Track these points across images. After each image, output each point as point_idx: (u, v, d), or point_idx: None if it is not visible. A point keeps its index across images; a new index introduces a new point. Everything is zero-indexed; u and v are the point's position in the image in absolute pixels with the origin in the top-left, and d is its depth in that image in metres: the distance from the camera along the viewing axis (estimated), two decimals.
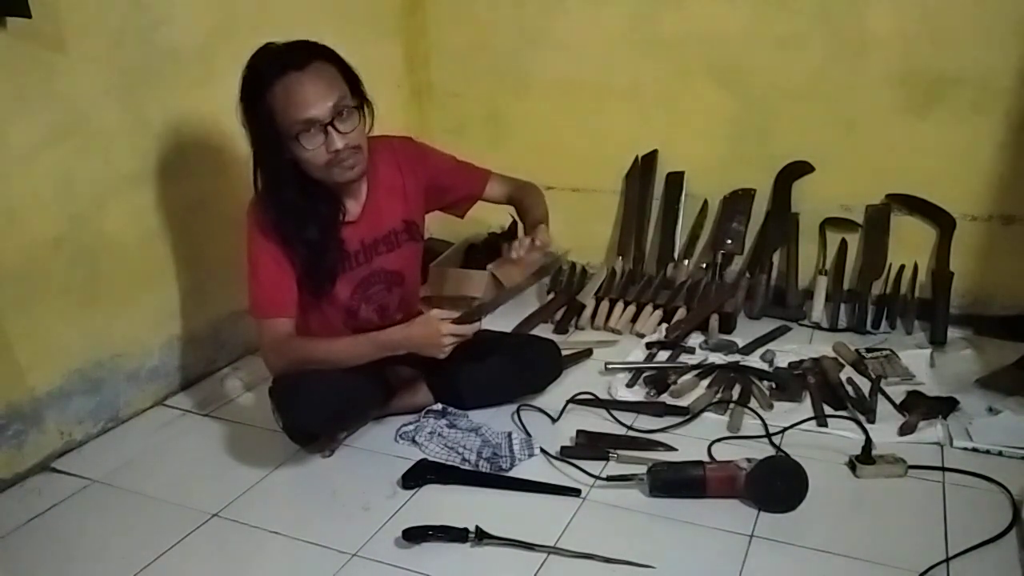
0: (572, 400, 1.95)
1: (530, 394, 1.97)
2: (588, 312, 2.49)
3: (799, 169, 2.52)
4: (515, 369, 1.94)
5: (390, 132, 1.87)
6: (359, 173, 1.67)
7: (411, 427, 1.82)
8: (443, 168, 1.94)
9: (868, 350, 2.18)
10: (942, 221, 2.40)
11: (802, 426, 1.82)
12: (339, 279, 1.75)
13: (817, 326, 2.41)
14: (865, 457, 1.65)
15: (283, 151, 1.58)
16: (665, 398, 1.98)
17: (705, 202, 2.67)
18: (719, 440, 1.78)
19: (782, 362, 2.13)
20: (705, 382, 2.05)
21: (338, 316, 1.81)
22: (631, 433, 1.84)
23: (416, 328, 1.67)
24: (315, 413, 1.65)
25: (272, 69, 1.54)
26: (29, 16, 1.56)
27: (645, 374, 2.08)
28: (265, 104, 1.54)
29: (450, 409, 1.89)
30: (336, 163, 1.60)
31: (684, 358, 2.19)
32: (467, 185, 1.98)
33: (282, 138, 1.56)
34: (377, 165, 1.77)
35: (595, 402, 1.95)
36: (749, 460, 1.57)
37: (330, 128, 1.56)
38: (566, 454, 1.72)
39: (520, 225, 1.99)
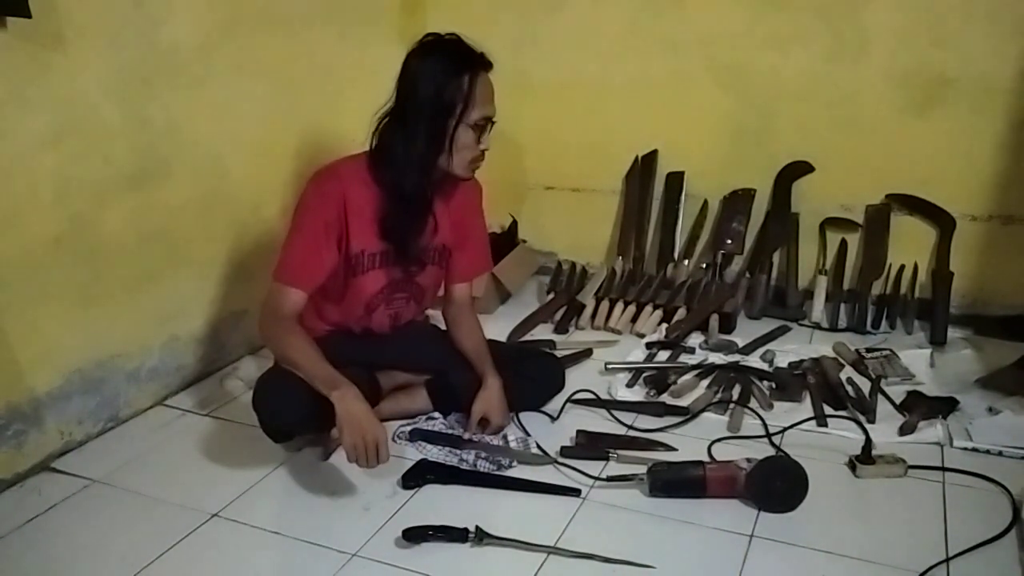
0: (572, 400, 1.95)
1: (530, 408, 1.92)
2: (588, 312, 2.49)
3: (799, 169, 2.52)
4: (517, 383, 1.86)
5: None
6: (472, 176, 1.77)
7: (408, 427, 1.82)
8: (473, 232, 1.90)
9: (868, 350, 2.18)
10: (942, 221, 2.40)
11: (802, 426, 1.82)
12: (378, 270, 1.76)
13: (817, 326, 2.41)
14: (865, 457, 1.65)
15: (449, 129, 1.65)
16: (665, 398, 1.97)
17: (705, 202, 2.67)
18: (719, 440, 1.78)
19: (782, 362, 2.13)
20: (705, 382, 2.05)
21: (357, 309, 1.80)
22: (631, 433, 1.84)
23: (360, 411, 1.53)
24: (289, 410, 1.64)
25: (476, 60, 1.67)
26: (29, 16, 1.55)
27: (645, 374, 2.08)
28: (463, 85, 1.63)
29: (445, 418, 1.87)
30: (478, 160, 1.72)
31: (684, 358, 2.20)
32: (471, 262, 1.92)
33: (459, 121, 1.65)
34: None
35: (595, 402, 1.95)
36: (749, 460, 1.57)
37: (487, 129, 1.70)
38: (566, 454, 1.72)
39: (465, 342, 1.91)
